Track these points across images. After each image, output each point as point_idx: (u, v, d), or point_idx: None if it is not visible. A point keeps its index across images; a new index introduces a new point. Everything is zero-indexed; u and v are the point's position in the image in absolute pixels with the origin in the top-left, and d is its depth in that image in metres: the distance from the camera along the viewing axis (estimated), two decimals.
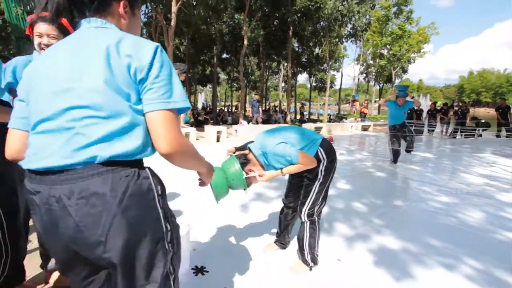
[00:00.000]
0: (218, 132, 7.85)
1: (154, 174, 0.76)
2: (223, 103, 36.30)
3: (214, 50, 15.44)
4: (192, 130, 7.39)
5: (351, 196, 3.29)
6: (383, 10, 20.46)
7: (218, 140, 7.87)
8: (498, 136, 9.71)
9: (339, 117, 17.37)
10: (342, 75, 22.69)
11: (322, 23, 14.85)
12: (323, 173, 1.66)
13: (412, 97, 5.57)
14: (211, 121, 8.49)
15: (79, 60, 0.68)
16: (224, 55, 18.61)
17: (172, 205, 2.72)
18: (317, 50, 19.16)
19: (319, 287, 1.65)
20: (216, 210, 2.66)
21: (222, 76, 28.03)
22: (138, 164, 0.73)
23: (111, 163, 0.66)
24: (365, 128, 13.13)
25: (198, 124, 11.48)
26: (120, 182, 0.66)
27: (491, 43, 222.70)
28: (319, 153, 1.66)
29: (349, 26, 16.46)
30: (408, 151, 5.30)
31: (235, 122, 12.81)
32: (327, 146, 1.71)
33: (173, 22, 8.51)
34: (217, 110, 14.15)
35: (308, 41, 16.49)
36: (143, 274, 0.71)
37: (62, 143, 0.64)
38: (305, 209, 1.70)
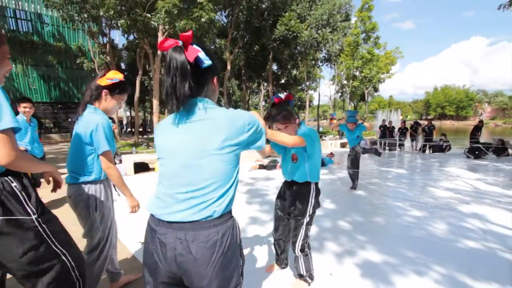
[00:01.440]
0: None
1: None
2: None
3: None
4: None
5: (336, 215, 3.66)
6: (353, 36, 22.32)
7: None
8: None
9: (319, 134, 18.16)
10: (319, 95, 24.05)
11: (299, 48, 15.93)
12: (310, 212, 1.85)
13: (363, 121, 5.77)
14: None
15: None
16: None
17: None
18: (295, 72, 20.29)
19: None
20: None
21: None
22: None
23: None
24: (343, 145, 13.89)
25: None
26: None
27: (450, 61, 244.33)
28: (313, 185, 1.89)
29: (324, 51, 17.75)
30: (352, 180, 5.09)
31: None
32: (318, 189, 1.92)
33: (159, 51, 8.84)
34: None
35: (287, 64, 17.54)
36: None
37: None
38: (297, 246, 1.90)
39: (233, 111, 0.95)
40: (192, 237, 0.89)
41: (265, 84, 20.92)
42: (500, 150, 9.38)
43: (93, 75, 18.90)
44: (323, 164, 8.78)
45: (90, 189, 1.63)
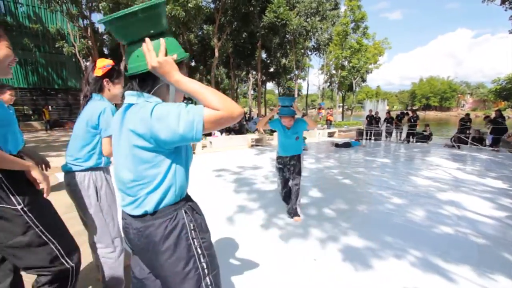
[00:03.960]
0: (193, 144, 8.01)
1: None
2: None
3: None
4: None
5: (322, 203, 3.76)
6: (342, 25, 22.26)
7: (193, 152, 8.03)
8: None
9: None
10: (308, 84, 24.15)
11: (288, 36, 15.76)
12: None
13: (304, 115, 4.15)
14: None
15: None
16: (193, 63, 18.71)
17: None
18: (284, 61, 20.15)
19: (299, 284, 2.03)
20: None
21: None
22: None
23: None
24: (330, 135, 14.10)
25: None
26: None
27: (436, 52, 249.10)
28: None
29: (313, 40, 17.67)
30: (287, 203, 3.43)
31: (208, 133, 12.96)
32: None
33: None
34: None
35: (276, 52, 17.37)
36: None
37: None
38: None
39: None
40: (136, 230, 0.95)
41: (254, 72, 20.69)
42: (478, 140, 9.79)
43: (73, 60, 18.10)
44: (350, 145, 9.83)
45: (89, 177, 1.59)
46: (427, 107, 71.09)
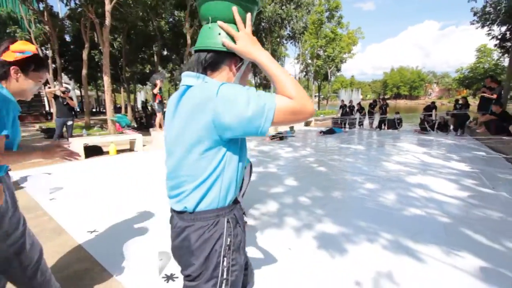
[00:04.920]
0: None
1: None
2: (165, 102, 34.34)
3: (154, 47, 14.68)
4: (138, 137, 7.07)
5: (298, 191, 3.74)
6: (317, 14, 22.29)
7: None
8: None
9: None
10: None
11: (263, 24, 15.46)
12: None
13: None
14: (161, 126, 8.22)
15: None
16: (165, 52, 17.84)
17: (129, 212, 2.75)
18: None
19: (274, 275, 1.97)
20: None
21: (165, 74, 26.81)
22: None
23: None
24: (307, 124, 14.26)
25: (141, 127, 10.90)
26: None
27: (406, 43, 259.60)
28: None
29: (288, 28, 17.51)
30: None
31: None
32: None
33: (107, 21, 7.88)
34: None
35: None
36: None
37: None
38: None
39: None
40: (175, 227, 0.91)
41: None
42: (443, 126, 10.36)
43: None
44: (335, 132, 10.54)
45: None
46: (397, 96, 74.44)
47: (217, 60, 0.84)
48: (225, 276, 0.86)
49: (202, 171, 0.80)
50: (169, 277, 1.91)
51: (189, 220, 0.85)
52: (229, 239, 0.86)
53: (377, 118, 12.58)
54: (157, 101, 7.81)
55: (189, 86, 0.83)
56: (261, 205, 3.24)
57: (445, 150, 6.83)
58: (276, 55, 21.51)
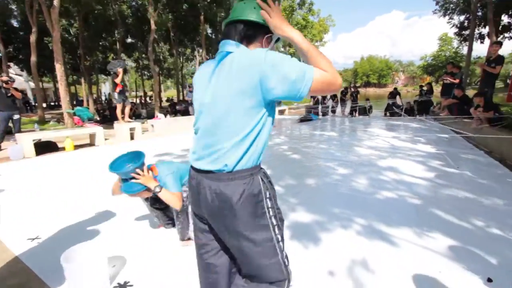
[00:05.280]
0: (132, 129, 7.15)
1: None
2: (133, 93, 32.51)
3: (116, 34, 13.57)
4: (99, 130, 6.49)
5: (272, 180, 3.58)
6: (288, 0, 22.01)
7: (132, 138, 7.19)
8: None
9: None
10: None
11: None
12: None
13: None
14: (122, 116, 7.57)
15: None
16: (130, 40, 16.64)
17: (87, 224, 2.40)
18: None
19: None
20: (130, 222, 2.53)
21: (130, 63, 25.17)
22: None
23: None
24: (281, 112, 14.21)
25: (105, 120, 10.12)
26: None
27: (375, 32, 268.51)
28: None
29: None
30: None
31: (151, 116, 11.90)
32: None
33: (56, 2, 6.99)
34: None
35: (222, 28, 16.30)
36: None
37: None
38: None
39: None
40: (211, 190, 0.90)
41: (200, 50, 19.40)
42: (409, 111, 10.81)
43: None
44: (312, 119, 10.76)
45: None
46: (367, 84, 77.30)
47: (252, 33, 0.92)
48: (274, 222, 0.94)
49: (243, 128, 0.84)
50: (123, 286, 1.66)
51: (226, 179, 0.87)
52: (267, 193, 0.94)
53: (348, 105, 12.83)
54: (117, 90, 7.18)
55: (228, 52, 0.88)
56: None
57: (412, 133, 7.08)
58: None
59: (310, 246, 2.05)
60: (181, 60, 22.19)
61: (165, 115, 9.43)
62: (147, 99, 24.05)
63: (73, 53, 14.76)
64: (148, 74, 25.41)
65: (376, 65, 76.51)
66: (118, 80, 6.95)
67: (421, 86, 11.03)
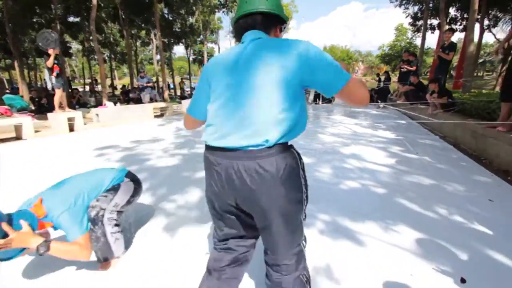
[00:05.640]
0: (70, 119, 6.17)
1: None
2: (82, 80, 29.22)
3: (53, 10, 11.70)
4: (26, 121, 5.46)
5: None
6: None
7: (72, 129, 6.23)
8: None
9: None
10: (219, 48, 22.60)
11: None
12: None
13: None
14: (61, 105, 6.50)
15: None
16: (73, 19, 14.62)
17: None
18: (191, 20, 18.04)
19: (192, 280, 1.40)
20: None
21: (75, 46, 22.47)
22: None
23: None
24: None
25: (42, 110, 8.74)
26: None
27: (336, 22, 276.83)
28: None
29: None
30: None
31: (95, 104, 10.69)
32: None
33: None
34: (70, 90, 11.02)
35: (179, 9, 15.12)
36: None
37: None
38: None
39: None
40: (245, 167, 0.85)
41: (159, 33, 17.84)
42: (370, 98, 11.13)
43: None
44: None
45: None
46: None
47: (269, 23, 0.97)
48: (305, 191, 0.97)
49: (284, 102, 0.84)
50: None
51: (266, 156, 0.85)
52: (301, 163, 0.96)
53: (312, 92, 12.83)
54: (54, 74, 6.10)
55: (255, 39, 0.92)
56: (180, 196, 2.60)
57: (372, 120, 7.17)
58: (210, 27, 19.98)
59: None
60: (135, 43, 20.25)
61: (115, 104, 8.43)
62: (99, 86, 21.82)
63: (1, 31, 12.48)
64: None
65: (338, 55, 78.99)
66: (49, 63, 5.87)
67: (377, 75, 11.44)
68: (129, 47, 14.88)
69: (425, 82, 8.20)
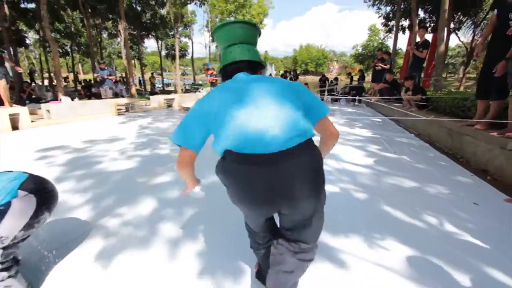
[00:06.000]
0: (14, 116, 5.35)
1: None
2: (42, 74, 26.63)
3: None
4: None
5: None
6: None
7: (16, 127, 5.41)
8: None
9: (195, 87, 16.79)
10: (192, 42, 21.73)
11: None
12: None
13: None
14: (12, 100, 5.65)
15: None
16: (23, 4, 13.06)
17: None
18: (163, 12, 17.04)
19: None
20: None
21: (33, 36, 20.45)
22: None
23: None
24: None
25: None
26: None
27: (311, 22, 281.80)
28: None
29: None
30: None
31: (49, 99, 9.64)
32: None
33: None
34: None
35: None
36: None
37: None
38: None
39: None
40: (297, 162, 0.90)
41: (127, 25, 16.57)
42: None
43: None
44: None
45: None
46: (306, 72, 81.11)
47: (254, 68, 1.14)
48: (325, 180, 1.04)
49: (299, 107, 0.99)
50: None
51: (309, 146, 0.96)
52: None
53: None
54: None
55: (248, 74, 1.08)
56: (128, 208, 2.15)
57: (348, 118, 7.06)
58: (183, 20, 19.06)
59: (232, 275, 1.34)
60: (99, 34, 18.69)
61: (73, 99, 7.57)
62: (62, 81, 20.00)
63: None
64: (61, 51, 21.04)
65: (313, 54, 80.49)
66: None
67: (349, 74, 11.78)
68: (91, 37, 13.57)
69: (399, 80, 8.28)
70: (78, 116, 6.57)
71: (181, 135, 0.98)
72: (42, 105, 6.26)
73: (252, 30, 1.15)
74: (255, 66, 1.13)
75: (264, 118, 0.90)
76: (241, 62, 1.10)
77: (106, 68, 8.05)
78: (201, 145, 1.01)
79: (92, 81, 12.77)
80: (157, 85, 21.17)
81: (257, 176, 0.89)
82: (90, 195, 2.39)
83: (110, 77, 7.86)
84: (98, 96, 8.65)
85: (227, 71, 1.11)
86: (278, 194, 0.90)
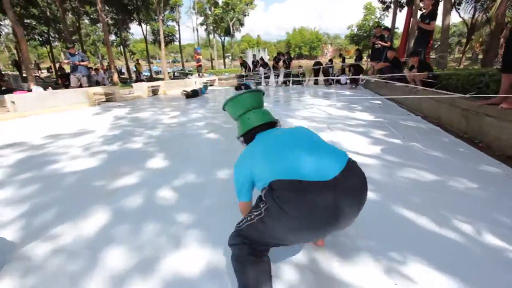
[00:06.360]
0: None
1: None
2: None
3: None
4: None
5: (171, 175, 2.24)
6: None
7: None
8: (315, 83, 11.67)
9: (185, 74, 15.97)
10: (179, 26, 20.50)
11: None
12: None
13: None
14: None
15: None
16: None
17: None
18: None
19: None
20: None
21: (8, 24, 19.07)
22: None
23: None
24: (211, 84, 12.56)
25: None
26: None
27: (305, 4, 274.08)
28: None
29: None
30: None
31: (12, 88, 8.88)
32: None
33: None
34: None
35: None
36: None
37: None
38: None
39: None
40: (355, 183, 0.98)
41: (107, 7, 15.37)
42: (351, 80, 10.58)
43: None
44: (249, 86, 9.68)
45: None
46: (300, 56, 79.49)
47: (273, 125, 1.33)
48: None
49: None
50: None
51: (352, 163, 1.03)
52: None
53: (282, 73, 12.00)
54: None
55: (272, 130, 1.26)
56: (71, 225, 1.63)
57: (346, 101, 6.52)
58: (167, 3, 17.87)
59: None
60: (78, 19, 17.38)
61: (45, 88, 6.87)
62: (39, 71, 18.93)
63: None
64: (41, 39, 19.76)
65: (307, 37, 78.48)
66: None
67: (340, 55, 11.31)
68: (64, 21, 12.41)
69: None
70: (48, 107, 5.91)
71: (243, 195, 1.13)
72: (6, 96, 5.57)
73: (259, 96, 1.36)
74: (271, 125, 1.30)
75: (303, 153, 1.01)
76: (259, 126, 1.26)
77: (77, 53, 7.19)
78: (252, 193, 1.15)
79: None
80: (145, 73, 20.15)
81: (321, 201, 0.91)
82: (26, 208, 1.86)
83: (82, 63, 7.07)
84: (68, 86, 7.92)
85: (250, 134, 1.27)
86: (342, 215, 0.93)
